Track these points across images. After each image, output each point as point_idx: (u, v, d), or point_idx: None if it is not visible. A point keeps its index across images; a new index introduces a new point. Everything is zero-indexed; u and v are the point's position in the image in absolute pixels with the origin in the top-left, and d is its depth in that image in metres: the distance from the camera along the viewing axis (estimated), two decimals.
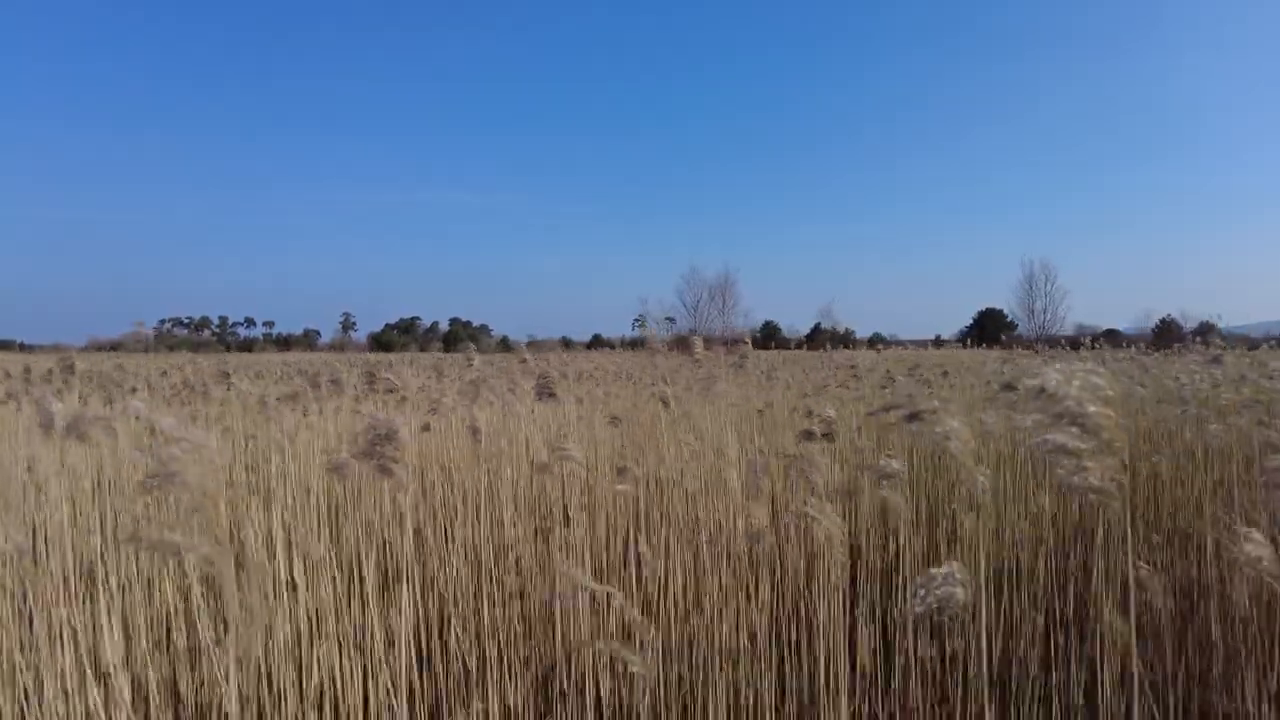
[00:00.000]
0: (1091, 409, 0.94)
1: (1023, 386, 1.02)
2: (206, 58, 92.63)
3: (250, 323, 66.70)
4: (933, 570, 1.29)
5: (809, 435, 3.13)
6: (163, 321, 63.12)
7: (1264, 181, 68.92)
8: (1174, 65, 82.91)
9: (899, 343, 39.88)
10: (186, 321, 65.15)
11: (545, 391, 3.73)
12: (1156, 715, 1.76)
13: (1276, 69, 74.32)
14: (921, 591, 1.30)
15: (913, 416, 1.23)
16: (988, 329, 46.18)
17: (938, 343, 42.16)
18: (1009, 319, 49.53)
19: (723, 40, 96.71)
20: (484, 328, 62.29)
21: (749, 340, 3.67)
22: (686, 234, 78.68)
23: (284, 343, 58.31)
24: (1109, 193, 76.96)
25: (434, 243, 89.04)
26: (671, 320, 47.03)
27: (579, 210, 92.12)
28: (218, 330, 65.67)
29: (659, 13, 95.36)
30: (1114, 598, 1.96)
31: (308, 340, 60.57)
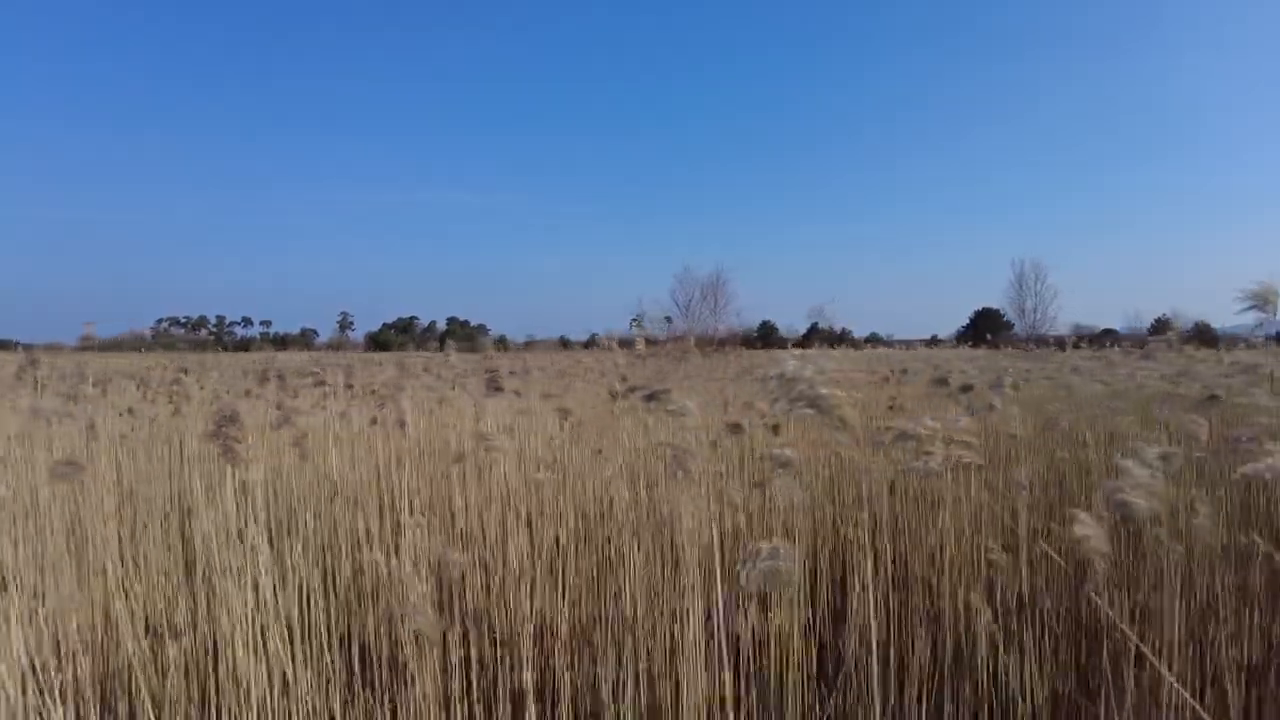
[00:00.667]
0: (824, 390, 0.99)
1: (769, 372, 1.07)
2: (206, 58, 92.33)
3: (248, 322, 66.79)
4: (760, 545, 1.33)
5: (736, 428, 3.20)
6: (160, 321, 63.22)
7: (1264, 181, 68.69)
8: (1174, 65, 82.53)
9: (889, 342, 39.94)
10: (184, 321, 65.26)
11: (493, 386, 3.78)
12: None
13: (1276, 69, 74.11)
14: (749, 565, 1.35)
15: (651, 396, 1.27)
16: (984, 329, 46.20)
17: (933, 342, 42.22)
18: (1006, 319, 49.63)
19: (723, 40, 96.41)
20: (481, 327, 62.32)
21: (694, 341, 3.73)
22: (686, 234, 78.55)
23: (281, 342, 58.35)
24: (1108, 193, 76.73)
25: (434, 243, 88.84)
26: (670, 320, 47.03)
27: (579, 210, 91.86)
28: (215, 330, 65.73)
29: (659, 13, 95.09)
30: (965, 578, 2.01)
31: (305, 339, 60.62)
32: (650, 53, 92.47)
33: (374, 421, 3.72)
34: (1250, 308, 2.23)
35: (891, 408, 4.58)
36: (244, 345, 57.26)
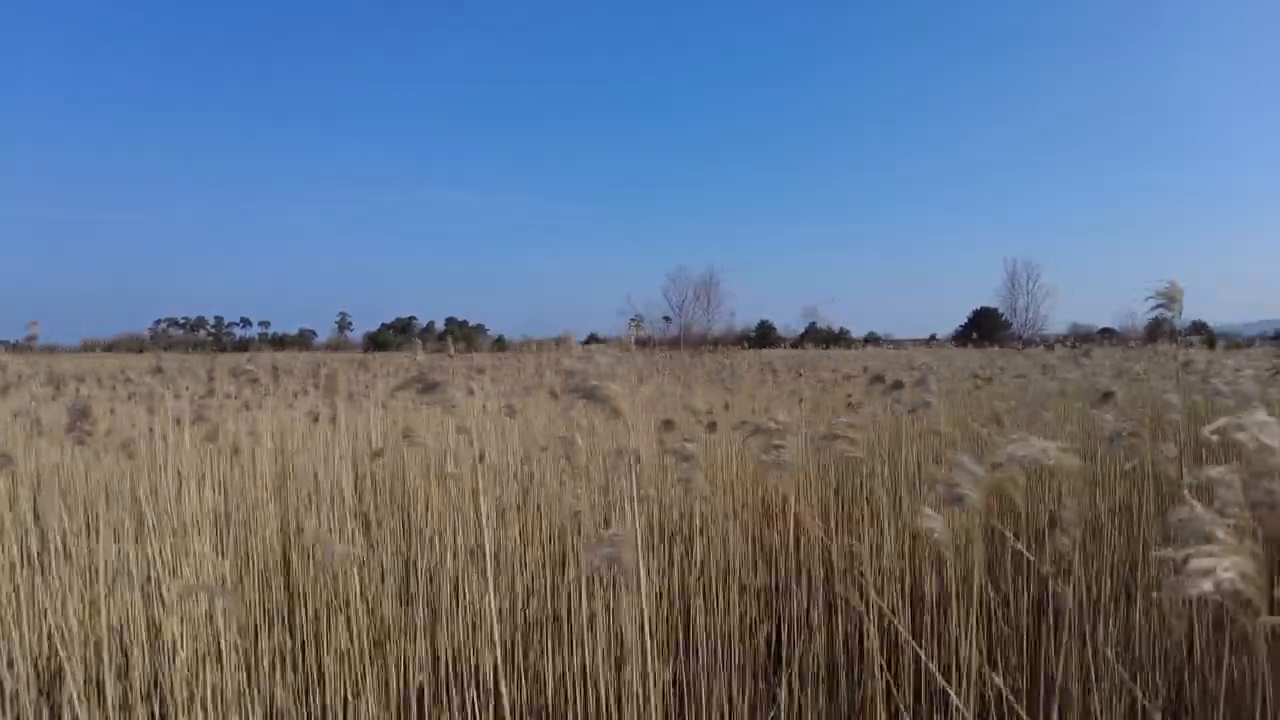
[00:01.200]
0: (593, 382, 1.00)
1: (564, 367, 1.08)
2: (206, 58, 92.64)
3: (246, 323, 66.94)
4: (604, 533, 1.36)
5: (668, 424, 3.22)
6: (158, 321, 63.42)
7: (1264, 181, 68.69)
8: (1174, 65, 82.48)
9: (885, 342, 40.05)
10: (182, 322, 65.41)
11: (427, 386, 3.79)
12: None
13: (1276, 69, 73.99)
14: (595, 550, 1.39)
15: (427, 387, 1.29)
16: (982, 328, 46.17)
17: (931, 342, 42.24)
18: (1004, 318, 49.63)
19: (723, 40, 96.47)
20: (480, 327, 62.43)
21: (635, 340, 3.75)
22: (686, 234, 78.66)
23: (279, 343, 58.48)
24: (1108, 193, 76.81)
25: (433, 243, 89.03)
26: (668, 319, 47.27)
27: (579, 210, 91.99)
28: (213, 330, 65.89)
29: (659, 13, 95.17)
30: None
31: (303, 340, 60.76)
32: (650, 53, 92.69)
33: (316, 419, 3.74)
34: (1158, 307, 2.24)
35: (849, 405, 4.61)
36: (243, 346, 57.41)
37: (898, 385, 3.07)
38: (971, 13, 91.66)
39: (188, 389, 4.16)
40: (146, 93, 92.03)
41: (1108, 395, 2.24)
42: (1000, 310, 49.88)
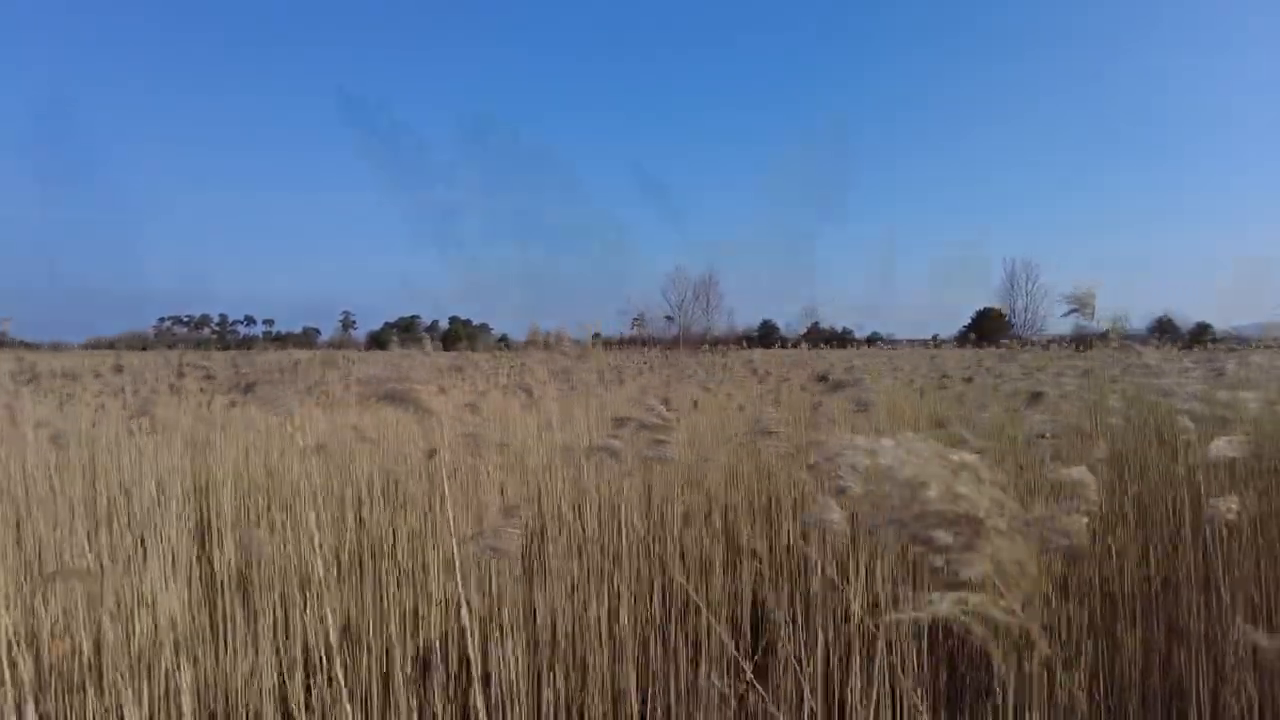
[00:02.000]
0: (400, 386, 1.06)
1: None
2: (206, 58, 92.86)
3: (250, 320, 67.22)
4: (493, 526, 1.43)
5: (622, 422, 3.29)
6: (162, 320, 63.71)
7: (1264, 182, 68.33)
8: (1174, 65, 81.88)
9: (877, 342, 40.07)
10: (186, 320, 65.72)
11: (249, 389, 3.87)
12: None
13: (1277, 69, 73.52)
14: (487, 537, 1.45)
15: (249, 387, 1.35)
16: (984, 329, 46.04)
17: (934, 341, 42.08)
18: (1008, 319, 49.53)
19: (722, 40, 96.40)
20: (484, 326, 62.55)
21: (593, 340, 3.81)
22: (686, 233, 78.57)
23: (282, 340, 58.69)
24: (1109, 192, 76.28)
25: (434, 242, 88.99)
26: (670, 319, 47.44)
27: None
28: (218, 328, 66.18)
29: (657, 13, 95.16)
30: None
31: (306, 338, 60.98)
32: (650, 52, 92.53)
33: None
34: (1071, 311, 2.28)
35: (816, 406, 4.68)
36: (247, 343, 57.59)
37: (840, 385, 3.14)
38: (971, 13, 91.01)
39: (145, 383, 4.23)
40: (146, 92, 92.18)
41: (1036, 396, 2.30)
42: (1003, 311, 49.80)
